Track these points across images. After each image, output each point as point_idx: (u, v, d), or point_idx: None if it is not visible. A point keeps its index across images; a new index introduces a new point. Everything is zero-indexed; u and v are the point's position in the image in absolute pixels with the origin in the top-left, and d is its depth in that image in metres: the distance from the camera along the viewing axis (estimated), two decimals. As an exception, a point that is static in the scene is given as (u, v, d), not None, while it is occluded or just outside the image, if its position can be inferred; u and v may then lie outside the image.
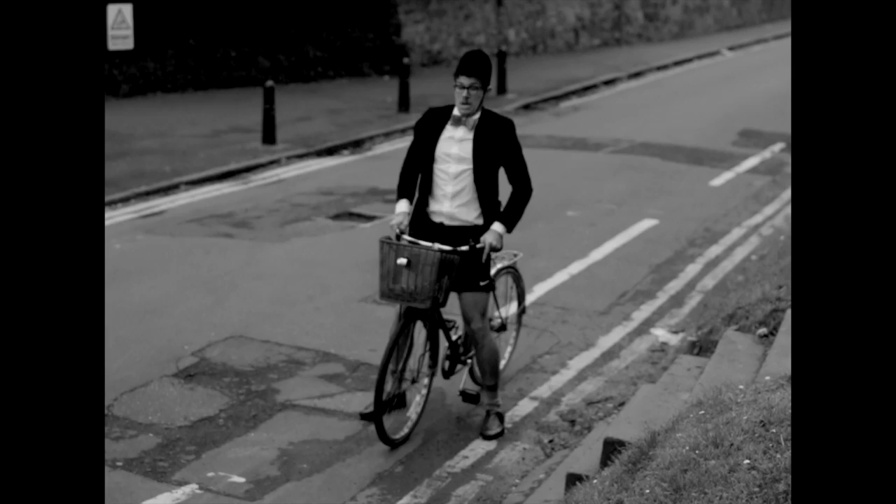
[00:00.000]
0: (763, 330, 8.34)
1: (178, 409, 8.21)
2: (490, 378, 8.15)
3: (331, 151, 17.92)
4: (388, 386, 7.95)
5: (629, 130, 19.75)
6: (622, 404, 8.30)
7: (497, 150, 7.93)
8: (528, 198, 8.09)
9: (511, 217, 8.00)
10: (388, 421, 7.94)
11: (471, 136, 7.90)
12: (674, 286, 11.39)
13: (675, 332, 10.04)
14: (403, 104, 21.04)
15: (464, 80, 7.76)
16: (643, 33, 35.39)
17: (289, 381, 8.76)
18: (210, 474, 7.31)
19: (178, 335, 9.53)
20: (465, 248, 7.75)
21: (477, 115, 7.93)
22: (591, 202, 14.32)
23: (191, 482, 7.20)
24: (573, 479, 6.70)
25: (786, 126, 20.39)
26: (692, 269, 11.94)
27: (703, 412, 6.17)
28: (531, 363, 9.35)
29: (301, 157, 17.35)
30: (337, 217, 13.63)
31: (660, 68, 28.59)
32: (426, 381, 8.19)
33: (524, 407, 8.57)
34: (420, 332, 8.20)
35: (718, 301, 10.14)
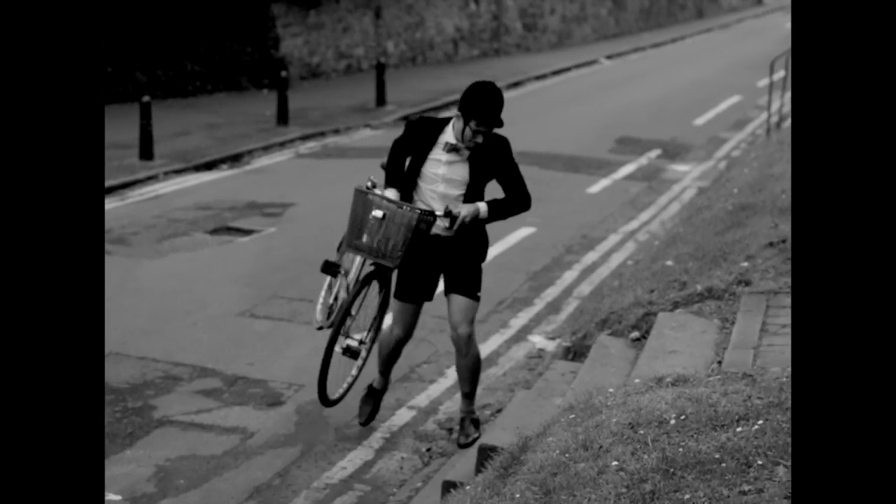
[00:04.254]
0: (635, 334, 8.47)
1: (53, 429, 8.12)
2: (468, 385, 8.10)
3: (209, 166, 17.82)
4: (338, 346, 8.08)
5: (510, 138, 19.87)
6: (499, 411, 8.38)
7: (491, 172, 7.76)
8: (522, 208, 7.90)
9: (498, 207, 7.79)
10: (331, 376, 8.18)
11: (462, 160, 7.69)
12: (551, 293, 11.51)
13: (552, 339, 10.14)
14: (282, 118, 20.99)
15: (486, 129, 7.54)
16: (522, 43, 35.66)
17: (166, 398, 8.71)
18: (85, 493, 7.24)
19: (53, 354, 9.41)
20: (440, 213, 7.61)
21: None
22: (469, 211, 14.40)
23: (65, 502, 7.12)
24: (448, 487, 6.76)
25: (662, 133, 20.71)
26: (569, 276, 12.08)
27: (573, 416, 6.26)
28: (409, 373, 9.39)
29: (179, 172, 17.23)
30: (215, 232, 13.56)
31: (538, 78, 28.82)
32: (369, 344, 8.36)
33: (402, 416, 8.61)
34: (373, 294, 8.19)
35: (593, 306, 10.27)
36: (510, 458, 6.09)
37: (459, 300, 7.86)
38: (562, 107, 24.22)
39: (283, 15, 26.22)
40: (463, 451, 7.67)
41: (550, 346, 9.98)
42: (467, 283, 7.84)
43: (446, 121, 7.83)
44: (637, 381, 6.72)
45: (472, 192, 7.74)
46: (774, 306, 8.13)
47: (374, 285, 8.21)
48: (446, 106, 24.17)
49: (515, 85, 27.66)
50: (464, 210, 7.60)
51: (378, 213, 7.57)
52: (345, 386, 8.38)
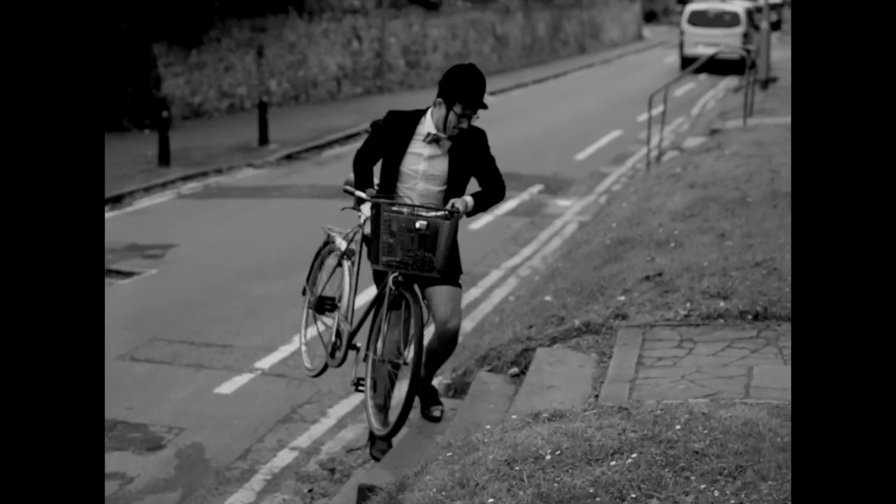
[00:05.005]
0: (514, 370, 8.53)
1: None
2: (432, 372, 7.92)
3: (89, 208, 17.59)
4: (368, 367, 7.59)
5: (391, 177, 19.93)
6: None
7: (471, 165, 7.46)
8: (499, 198, 7.63)
9: (482, 199, 7.48)
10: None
11: (442, 153, 7.38)
12: (433, 330, 11.53)
13: (436, 376, 10.17)
14: (164, 158, 20.82)
15: (470, 112, 7.26)
16: (405, 80, 35.80)
17: (43, 445, 8.57)
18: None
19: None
20: (441, 213, 7.20)
21: None
22: (352, 250, 14.39)
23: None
24: (329, 528, 6.74)
25: (544, 168, 20.90)
26: (452, 313, 12.11)
27: (451, 454, 6.29)
28: (291, 413, 9.36)
29: (58, 214, 16.97)
30: (95, 274, 13.37)
31: (422, 115, 28.92)
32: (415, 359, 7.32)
33: (284, 458, 8.57)
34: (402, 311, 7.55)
35: (474, 343, 10.32)
36: (388, 498, 6.10)
37: (443, 290, 7.43)
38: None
39: (164, 55, 26.06)
40: (344, 492, 7.65)
41: (434, 382, 10.00)
42: (450, 268, 7.43)
43: (420, 112, 7.50)
44: (514, 417, 6.78)
45: (453, 190, 7.41)
46: (650, 339, 8.25)
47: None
48: (329, 144, 24.17)
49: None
50: (459, 204, 7.25)
51: (422, 224, 7.09)
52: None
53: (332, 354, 8.03)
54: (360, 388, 7.66)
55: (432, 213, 7.18)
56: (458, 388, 9.00)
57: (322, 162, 22.29)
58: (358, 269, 7.92)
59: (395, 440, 7.79)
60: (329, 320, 8.19)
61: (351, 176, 7.70)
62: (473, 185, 7.55)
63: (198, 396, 9.61)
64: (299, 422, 9.21)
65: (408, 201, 7.37)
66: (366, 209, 7.54)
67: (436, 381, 9.93)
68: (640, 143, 23.52)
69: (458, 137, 7.37)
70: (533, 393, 7.56)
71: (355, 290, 7.94)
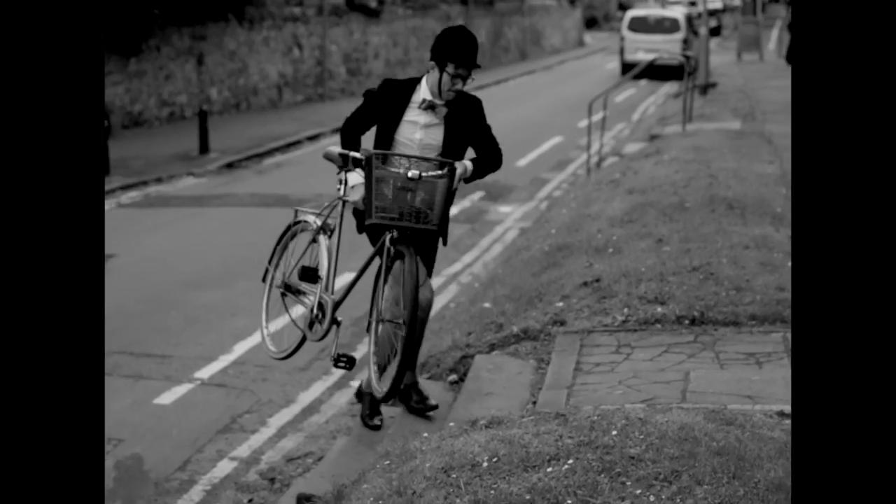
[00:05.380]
0: (453, 377, 8.55)
1: None
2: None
3: (27, 218, 17.46)
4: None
5: (331, 185, 19.86)
6: (321, 459, 8.37)
7: (467, 134, 7.38)
8: (497, 166, 7.55)
9: (480, 166, 7.37)
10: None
11: (439, 121, 7.30)
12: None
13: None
14: (103, 167, 20.68)
15: (463, 72, 7.14)
16: (346, 88, 35.76)
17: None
18: None
19: None
20: (438, 172, 7.01)
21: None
22: (292, 258, 14.35)
23: None
24: (267, 538, 6.73)
25: (484, 175, 20.92)
26: (392, 320, 12.11)
27: (389, 462, 6.30)
28: (231, 423, 9.32)
29: (-4, 225, 16.84)
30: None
31: (363, 122, 28.93)
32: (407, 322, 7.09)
33: (223, 468, 8.53)
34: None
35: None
36: (325, 507, 6.10)
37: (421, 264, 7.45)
38: (386, 151, 24.33)
39: (104, 63, 25.89)
40: (284, 501, 7.62)
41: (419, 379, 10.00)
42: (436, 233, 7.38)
43: (415, 80, 7.42)
44: (452, 424, 6.80)
45: (448, 158, 7.24)
46: (588, 345, 8.29)
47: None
48: (270, 153, 24.09)
49: (339, 130, 27.69)
50: (458, 167, 7.13)
51: (415, 174, 6.83)
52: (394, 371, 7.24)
53: (310, 327, 7.70)
54: (340, 363, 7.38)
55: (429, 171, 6.99)
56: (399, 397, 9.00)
57: (263, 170, 22.23)
58: (338, 243, 7.64)
59: (334, 448, 7.79)
60: (309, 293, 7.80)
61: (330, 148, 7.50)
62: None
63: (137, 407, 9.55)
64: (239, 432, 9.18)
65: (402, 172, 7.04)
66: (352, 177, 7.34)
67: (376, 389, 9.92)
68: (580, 149, 23.61)
69: (453, 105, 7.28)
70: (471, 400, 7.58)
71: (336, 262, 7.71)
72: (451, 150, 7.29)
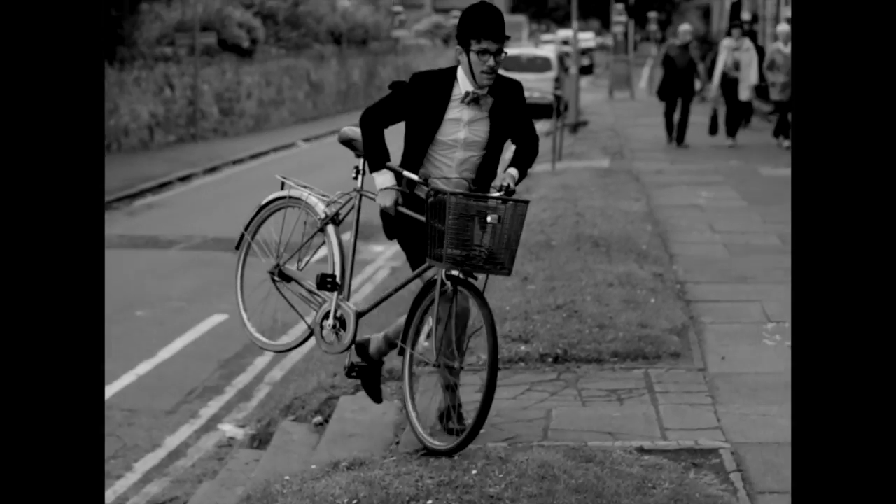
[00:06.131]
0: (318, 418, 8.54)
1: None
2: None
3: None
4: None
5: (202, 226, 19.78)
6: (185, 504, 8.30)
7: (510, 123, 6.75)
8: (535, 156, 6.99)
9: (522, 163, 6.83)
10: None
11: (484, 114, 6.64)
12: (242, 380, 11.46)
13: (242, 426, 10.10)
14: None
15: (490, 45, 6.45)
16: (219, 128, 35.59)
17: None
18: None
19: None
20: (498, 193, 6.52)
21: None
22: (160, 300, 14.23)
23: None
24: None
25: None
26: (261, 362, 12.04)
27: (249, 506, 6.28)
28: (94, 470, 9.20)
29: None
30: None
31: (236, 162, 28.80)
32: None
33: (85, 515, 8.41)
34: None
35: (280, 392, 10.29)
36: (184, 553, 6.06)
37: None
38: (259, 190, 24.11)
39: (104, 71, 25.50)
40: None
41: (240, 434, 9.95)
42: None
43: (451, 72, 6.72)
44: (314, 467, 6.79)
45: (491, 155, 6.76)
46: (452, 385, 8.32)
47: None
48: (141, 193, 23.85)
49: (212, 170, 27.55)
50: (511, 182, 6.64)
51: (494, 218, 6.31)
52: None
53: (322, 334, 7.24)
54: (353, 374, 7.08)
55: (494, 198, 6.41)
56: (263, 439, 8.95)
57: (133, 211, 22.00)
58: (355, 243, 7.22)
59: (198, 493, 7.73)
60: (324, 300, 7.30)
61: (348, 130, 7.12)
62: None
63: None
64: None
65: (443, 172, 6.68)
66: (381, 179, 6.77)
67: (243, 432, 9.87)
68: (452, 187, 23.74)
69: (497, 93, 6.63)
70: (334, 442, 7.58)
71: (352, 266, 7.24)
72: (494, 145, 6.74)
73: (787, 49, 22.73)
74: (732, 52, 23.24)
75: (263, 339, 7.81)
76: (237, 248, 7.88)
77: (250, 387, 11.30)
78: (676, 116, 24.39)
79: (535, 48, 50.86)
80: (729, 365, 8.70)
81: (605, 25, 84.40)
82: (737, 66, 23.07)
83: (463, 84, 6.64)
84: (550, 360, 8.73)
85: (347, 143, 7.09)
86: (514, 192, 6.62)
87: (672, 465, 6.60)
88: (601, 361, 8.72)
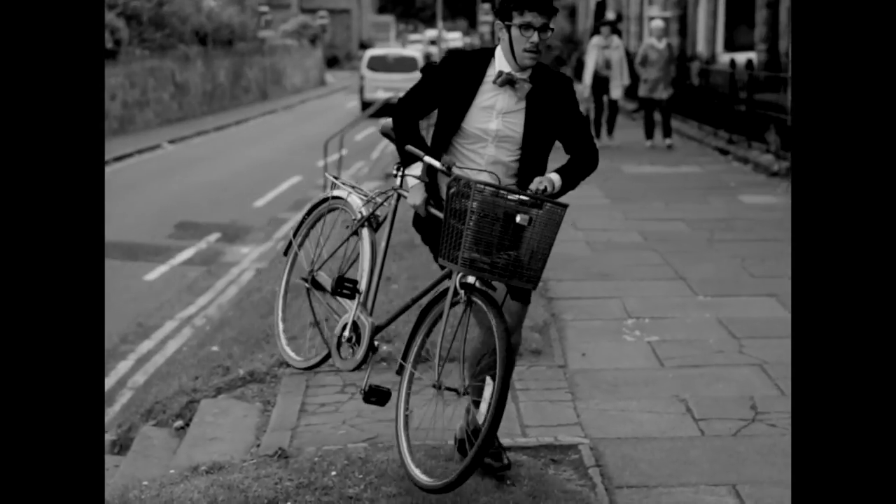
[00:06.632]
0: (179, 423, 8.46)
1: None
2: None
3: None
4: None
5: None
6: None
7: (554, 122, 5.86)
8: (591, 169, 5.95)
9: (571, 173, 5.83)
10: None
11: (521, 106, 5.82)
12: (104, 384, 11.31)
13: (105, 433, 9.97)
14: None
15: (535, 19, 5.68)
16: (82, 130, 35.04)
17: None
18: None
19: None
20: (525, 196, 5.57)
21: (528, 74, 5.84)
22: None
23: None
24: None
25: (222, 216, 20.79)
26: (123, 367, 11.91)
27: (105, 513, 6.19)
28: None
29: None
30: None
31: (99, 164, 28.38)
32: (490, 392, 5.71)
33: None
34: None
35: (142, 397, 10.18)
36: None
37: (511, 305, 5.96)
38: (123, 193, 23.89)
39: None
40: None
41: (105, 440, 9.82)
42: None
43: (489, 51, 5.93)
44: (173, 471, 6.73)
45: (530, 157, 5.85)
46: (314, 386, 8.31)
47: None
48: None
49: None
50: (547, 184, 5.67)
51: (523, 219, 5.49)
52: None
53: (338, 347, 6.48)
54: (371, 400, 6.24)
55: (527, 196, 5.57)
56: (123, 444, 8.85)
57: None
58: (387, 247, 6.46)
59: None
60: (343, 308, 6.53)
61: (387, 121, 6.24)
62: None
63: None
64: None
65: (471, 171, 5.79)
66: (413, 174, 5.99)
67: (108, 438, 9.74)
68: (319, 188, 23.67)
69: (538, 81, 5.84)
70: (195, 445, 7.51)
71: (381, 272, 6.46)
72: (532, 145, 5.85)
73: (661, 44, 23.00)
74: (602, 50, 23.37)
75: (292, 356, 7.07)
76: (285, 254, 7.25)
77: (112, 392, 11.16)
78: None
79: (402, 48, 50.93)
80: (589, 361, 8.80)
81: (473, 25, 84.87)
82: (607, 64, 23.17)
83: (500, 64, 5.83)
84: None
85: (387, 135, 6.26)
86: (542, 194, 5.66)
87: (531, 462, 6.66)
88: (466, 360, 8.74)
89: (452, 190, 5.51)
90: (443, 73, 5.88)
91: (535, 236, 5.52)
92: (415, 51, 46.26)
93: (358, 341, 6.33)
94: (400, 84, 40.52)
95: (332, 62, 77.50)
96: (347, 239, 6.60)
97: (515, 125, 5.81)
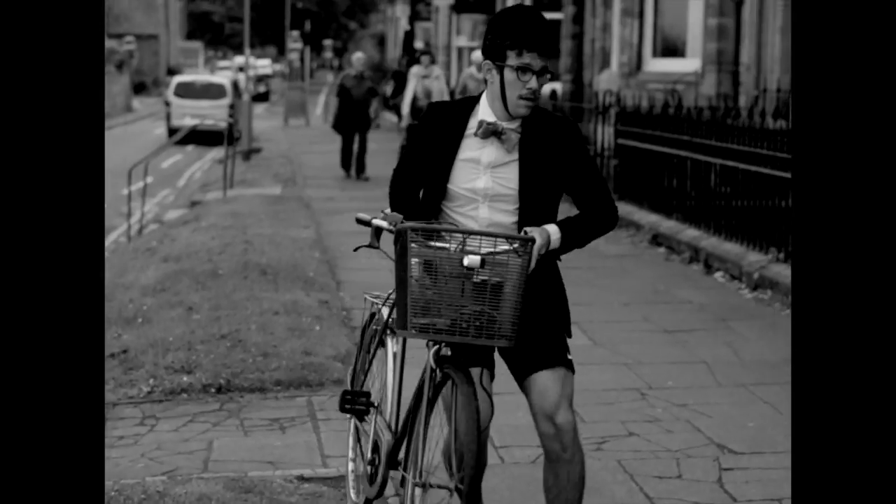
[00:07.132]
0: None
1: None
2: None
3: None
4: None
5: None
6: None
7: (556, 173, 4.95)
8: (608, 227, 5.03)
9: (577, 228, 4.93)
10: None
11: (513, 157, 4.92)
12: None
13: None
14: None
15: (535, 61, 4.79)
16: None
17: None
18: None
19: None
20: (506, 246, 4.60)
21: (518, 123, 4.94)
22: None
23: None
24: None
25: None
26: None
27: None
28: None
29: None
30: None
31: None
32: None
33: None
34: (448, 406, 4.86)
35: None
36: None
37: (547, 375, 4.90)
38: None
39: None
40: None
41: None
42: (553, 346, 4.98)
43: (473, 99, 5.05)
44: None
45: (529, 213, 4.92)
46: (112, 419, 8.16)
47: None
48: None
49: None
50: (537, 236, 4.71)
51: (475, 260, 4.54)
52: None
53: (370, 479, 5.52)
54: None
55: (495, 243, 4.63)
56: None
57: None
58: (403, 353, 5.57)
59: None
60: (364, 426, 5.70)
61: (366, 214, 5.37)
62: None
63: None
64: None
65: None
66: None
67: None
68: (122, 216, 23.30)
69: (531, 128, 4.95)
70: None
71: (401, 383, 5.52)
72: (531, 201, 4.94)
73: (480, 74, 23.19)
74: (422, 80, 23.41)
75: (355, 499, 6.10)
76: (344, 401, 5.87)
77: None
78: (355, 148, 24.24)
79: (210, 75, 50.54)
80: (391, 390, 8.82)
81: (282, 52, 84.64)
82: (427, 94, 23.16)
83: (483, 113, 4.95)
84: (213, 390, 8.68)
85: (360, 221, 5.38)
86: (531, 241, 4.67)
87: (331, 493, 6.65)
88: (265, 390, 8.72)
89: (398, 246, 4.69)
90: (423, 130, 5.05)
91: (507, 285, 4.63)
92: (223, 77, 45.89)
93: (378, 463, 5.39)
94: (208, 111, 40.17)
95: (139, 88, 76.37)
96: (374, 351, 5.83)
97: (508, 180, 4.91)
